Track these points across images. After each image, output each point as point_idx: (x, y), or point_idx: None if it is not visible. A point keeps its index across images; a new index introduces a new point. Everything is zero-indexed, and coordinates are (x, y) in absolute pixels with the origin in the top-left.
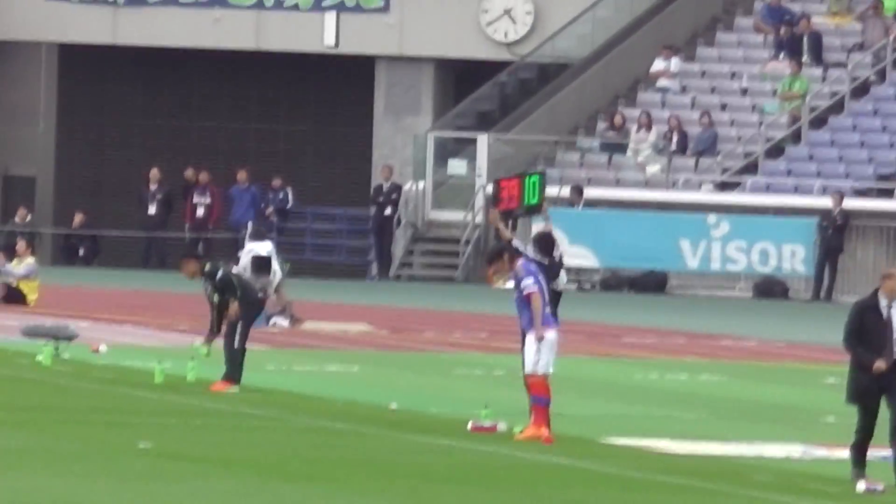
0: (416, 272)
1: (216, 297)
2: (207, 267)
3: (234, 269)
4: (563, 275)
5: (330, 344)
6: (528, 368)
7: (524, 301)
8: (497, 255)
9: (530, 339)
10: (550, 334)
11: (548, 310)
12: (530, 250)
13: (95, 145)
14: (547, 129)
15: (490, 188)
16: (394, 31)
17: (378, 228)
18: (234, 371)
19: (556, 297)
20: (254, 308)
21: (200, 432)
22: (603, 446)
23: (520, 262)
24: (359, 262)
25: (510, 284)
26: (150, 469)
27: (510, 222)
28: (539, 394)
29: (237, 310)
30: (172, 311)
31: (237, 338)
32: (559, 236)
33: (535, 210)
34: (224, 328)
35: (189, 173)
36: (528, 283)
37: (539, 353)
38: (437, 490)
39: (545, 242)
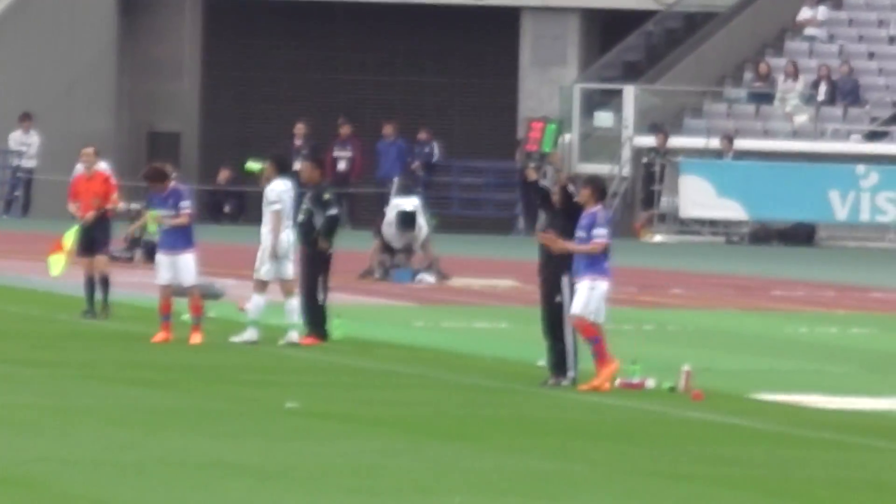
0: None
1: (301, 217)
2: (328, 195)
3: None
4: None
5: (478, 300)
6: (578, 310)
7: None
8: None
9: (583, 283)
10: (604, 285)
11: (608, 264)
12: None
13: (241, 100)
14: (693, 80)
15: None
16: None
17: (525, 182)
18: (317, 327)
19: None
20: (325, 262)
21: (348, 391)
22: (752, 402)
23: (602, 208)
24: (506, 216)
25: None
26: (297, 428)
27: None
28: (592, 335)
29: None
30: None
31: (319, 292)
32: None
33: (546, 158)
34: (301, 281)
35: (345, 128)
36: (604, 233)
37: (591, 298)
38: (586, 447)
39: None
